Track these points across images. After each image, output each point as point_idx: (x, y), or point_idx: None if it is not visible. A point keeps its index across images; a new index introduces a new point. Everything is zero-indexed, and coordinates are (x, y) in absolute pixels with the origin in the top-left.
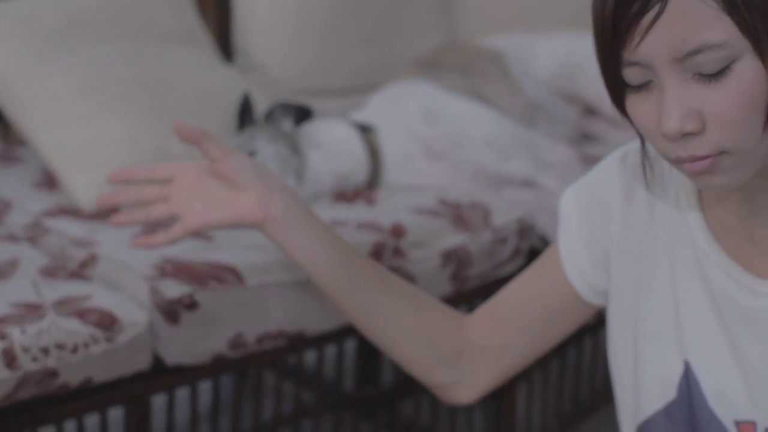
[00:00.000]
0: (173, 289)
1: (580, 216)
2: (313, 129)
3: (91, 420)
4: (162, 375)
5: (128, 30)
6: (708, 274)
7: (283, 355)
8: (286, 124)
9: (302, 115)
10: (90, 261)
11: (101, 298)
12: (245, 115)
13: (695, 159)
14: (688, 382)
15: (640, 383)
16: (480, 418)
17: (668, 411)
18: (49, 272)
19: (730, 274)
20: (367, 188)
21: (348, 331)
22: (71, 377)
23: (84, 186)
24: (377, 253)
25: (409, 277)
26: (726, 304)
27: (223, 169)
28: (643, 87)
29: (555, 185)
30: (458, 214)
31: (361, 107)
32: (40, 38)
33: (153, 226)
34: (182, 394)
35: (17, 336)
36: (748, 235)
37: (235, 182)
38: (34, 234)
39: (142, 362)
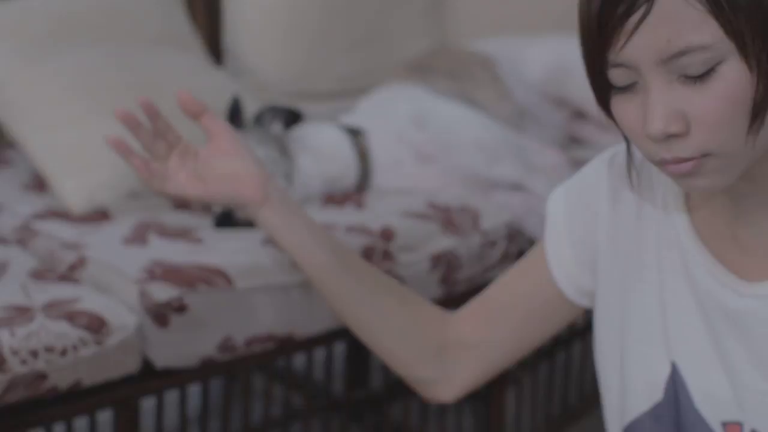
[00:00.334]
0: (162, 292)
1: (567, 216)
2: (303, 132)
3: (80, 423)
4: (151, 378)
5: (118, 33)
6: (694, 276)
7: (272, 358)
8: (276, 127)
9: (292, 118)
10: (79, 264)
11: (90, 301)
12: (234, 118)
13: (679, 161)
14: (675, 383)
15: (626, 384)
16: (469, 422)
17: (655, 412)
18: (39, 275)
19: (716, 276)
20: (357, 191)
21: (337, 334)
22: (60, 380)
23: (74, 189)
24: (367, 257)
25: (399, 281)
26: (712, 305)
27: (226, 144)
28: (628, 88)
29: (544, 189)
30: (447, 218)
31: (351, 111)
32: (29, 41)
33: (143, 228)
34: (171, 397)
35: (6, 338)
36: (733, 237)
37: (235, 159)
38: (24, 236)
39: (131, 365)
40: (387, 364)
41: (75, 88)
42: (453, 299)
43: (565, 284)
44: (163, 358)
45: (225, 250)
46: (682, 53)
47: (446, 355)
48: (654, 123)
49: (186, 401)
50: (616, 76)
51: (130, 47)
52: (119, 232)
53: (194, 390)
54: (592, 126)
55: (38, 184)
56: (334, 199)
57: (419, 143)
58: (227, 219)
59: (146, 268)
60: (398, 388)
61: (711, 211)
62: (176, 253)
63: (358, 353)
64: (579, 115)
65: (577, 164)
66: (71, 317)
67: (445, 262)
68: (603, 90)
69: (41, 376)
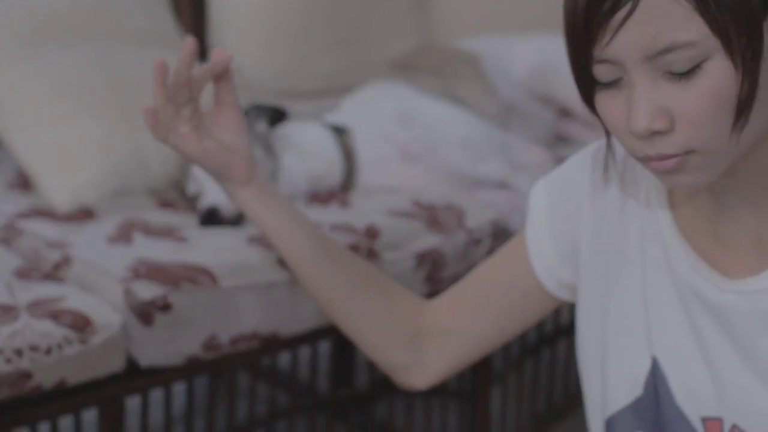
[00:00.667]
0: (147, 291)
1: (549, 209)
2: (288, 131)
3: (65, 422)
4: (136, 376)
5: (103, 32)
6: (677, 271)
7: (257, 356)
8: (261, 126)
9: (277, 117)
10: (64, 263)
11: (75, 300)
12: None
13: (663, 157)
14: (655, 378)
15: (607, 379)
16: (454, 420)
17: (635, 407)
18: (23, 274)
19: (698, 272)
20: (342, 190)
21: (322, 332)
22: (45, 379)
23: (58, 188)
24: None
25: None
26: (694, 300)
27: (231, 117)
28: (612, 84)
29: (529, 187)
30: (432, 216)
31: (336, 109)
32: (14, 41)
33: (127, 227)
34: (156, 395)
35: None
36: (715, 233)
37: (234, 134)
38: (8, 235)
39: (115, 364)
40: (362, 349)
41: (60, 87)
42: None
43: (545, 276)
44: (147, 357)
45: (210, 248)
46: (667, 50)
47: (422, 343)
48: (638, 119)
49: (171, 400)
50: (600, 72)
51: (115, 46)
52: (104, 231)
53: (179, 388)
54: (577, 124)
55: (23, 183)
56: (319, 197)
57: (404, 141)
58: (212, 217)
59: (131, 266)
60: (383, 387)
61: (693, 207)
62: (161, 251)
63: (343, 352)
64: (565, 113)
65: (563, 162)
66: (56, 316)
67: (430, 261)
68: (587, 86)
69: (26, 375)
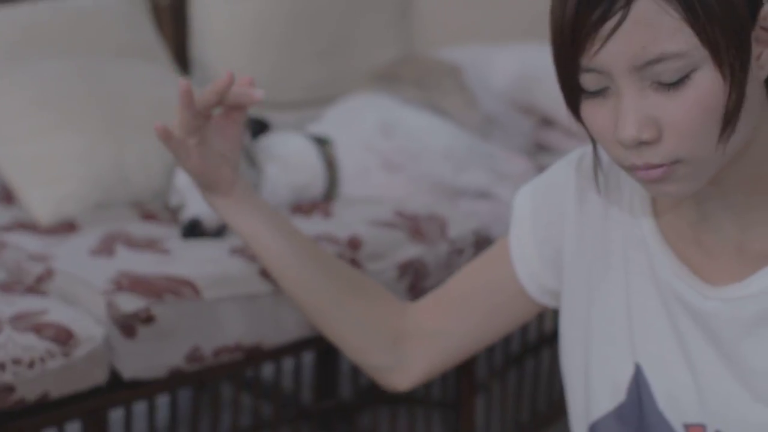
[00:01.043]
0: (129, 303)
1: (532, 215)
2: (270, 142)
3: None
4: (119, 389)
5: (84, 44)
6: (660, 278)
7: (240, 368)
8: (244, 137)
9: (259, 128)
10: (46, 276)
11: (58, 313)
12: None
13: (650, 167)
14: (638, 384)
15: (590, 385)
16: (438, 429)
17: (618, 413)
18: (6, 287)
19: (681, 278)
20: (324, 200)
21: (306, 343)
22: (28, 392)
23: (41, 200)
24: None
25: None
26: (678, 307)
27: (233, 130)
28: (599, 93)
29: (511, 196)
30: (415, 226)
31: (318, 120)
32: None
33: (110, 239)
34: (140, 408)
35: None
36: (697, 241)
37: (230, 148)
38: None
39: (98, 377)
40: (344, 351)
41: (41, 99)
42: None
43: (528, 281)
44: (131, 370)
45: (192, 260)
46: (656, 60)
47: (403, 344)
48: (626, 129)
49: (154, 412)
50: (587, 80)
51: (97, 58)
52: (86, 244)
53: (162, 401)
54: (559, 133)
55: (5, 195)
56: (301, 208)
57: (386, 152)
58: (194, 229)
59: (113, 279)
60: (367, 397)
61: (676, 214)
62: (143, 263)
63: (327, 363)
64: (546, 122)
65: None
66: (38, 329)
67: (412, 271)
68: (573, 94)
69: (9, 389)
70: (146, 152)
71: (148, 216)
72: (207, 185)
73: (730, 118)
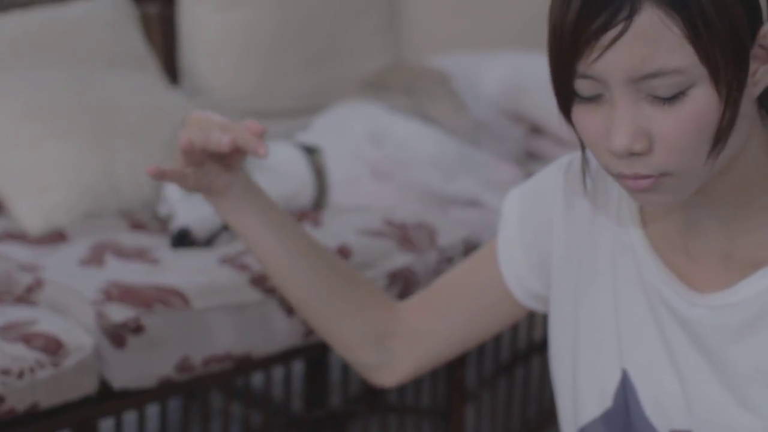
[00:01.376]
0: (119, 313)
1: (521, 218)
2: None
3: None
4: (109, 399)
5: (73, 54)
6: (648, 284)
7: (230, 377)
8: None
9: None
10: (36, 286)
11: (47, 323)
12: None
13: (638, 177)
14: (625, 390)
15: (578, 390)
16: None
17: (605, 418)
18: None
19: (669, 285)
20: (313, 209)
21: (295, 352)
22: (18, 402)
23: (29, 211)
24: None
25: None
26: (665, 313)
27: (236, 160)
28: (593, 99)
29: (500, 204)
30: (404, 235)
31: (307, 129)
32: None
33: (99, 249)
34: (130, 418)
35: None
36: (684, 248)
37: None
38: None
39: (88, 386)
40: (332, 346)
41: (30, 109)
42: None
43: (514, 285)
44: (120, 379)
45: (182, 270)
46: (654, 75)
47: (391, 343)
48: (618, 139)
49: (144, 422)
50: (582, 86)
51: (86, 67)
52: (76, 254)
53: (152, 410)
54: (549, 141)
55: None
56: None
57: (375, 160)
58: (183, 239)
59: (103, 289)
60: (357, 406)
61: (664, 221)
62: (133, 273)
63: (317, 371)
64: (535, 129)
65: None
66: (28, 339)
67: (402, 279)
68: (566, 97)
69: None
70: (135, 162)
71: (137, 226)
72: (201, 191)
73: (721, 136)
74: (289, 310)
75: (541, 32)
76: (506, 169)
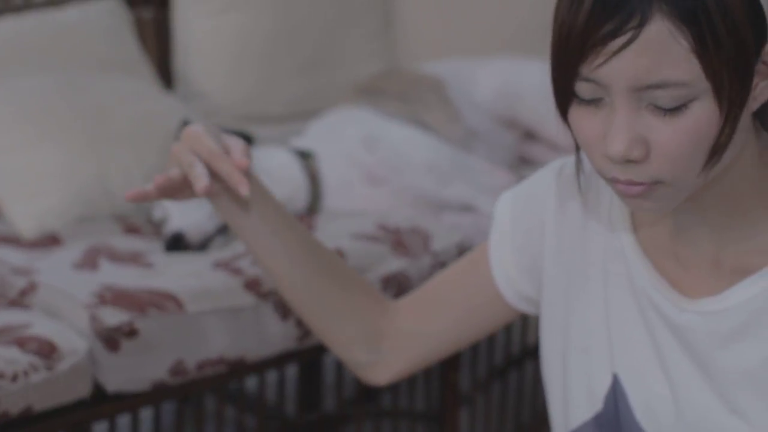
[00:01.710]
0: (113, 317)
1: (512, 221)
2: (253, 156)
3: None
4: (103, 403)
5: (67, 58)
6: (639, 289)
7: (224, 381)
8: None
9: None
10: (30, 289)
11: (41, 327)
12: None
13: (631, 183)
14: (615, 395)
15: (569, 394)
16: None
17: (596, 422)
18: None
19: (659, 290)
20: (307, 214)
21: (289, 356)
22: (11, 405)
23: (23, 214)
24: None
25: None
26: (656, 319)
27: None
28: (592, 102)
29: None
30: (398, 239)
31: (301, 134)
32: None
33: (93, 253)
34: (123, 421)
35: None
36: (674, 254)
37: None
38: None
39: (82, 390)
40: (326, 344)
41: (23, 113)
42: None
43: (505, 287)
44: (114, 383)
45: (175, 274)
46: (657, 86)
47: (384, 342)
48: (615, 145)
49: (138, 425)
50: (583, 89)
51: (79, 72)
52: (70, 257)
53: (146, 414)
54: (542, 147)
55: None
56: None
57: (369, 165)
58: (177, 243)
59: (97, 292)
60: (351, 409)
61: (655, 227)
62: (127, 277)
63: (311, 375)
64: (529, 135)
65: None
66: (21, 343)
67: (395, 284)
68: (565, 98)
69: None
70: (129, 166)
71: (131, 230)
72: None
73: (717, 150)
74: (283, 314)
75: (535, 38)
76: (500, 175)
